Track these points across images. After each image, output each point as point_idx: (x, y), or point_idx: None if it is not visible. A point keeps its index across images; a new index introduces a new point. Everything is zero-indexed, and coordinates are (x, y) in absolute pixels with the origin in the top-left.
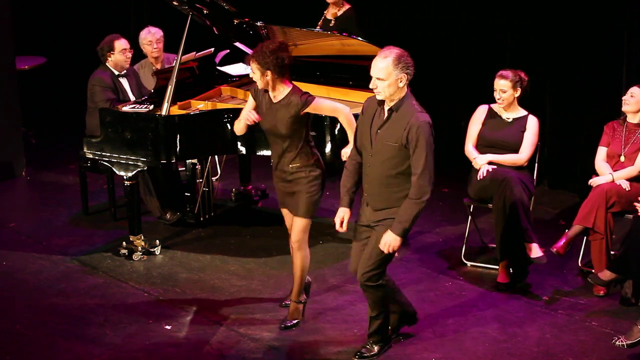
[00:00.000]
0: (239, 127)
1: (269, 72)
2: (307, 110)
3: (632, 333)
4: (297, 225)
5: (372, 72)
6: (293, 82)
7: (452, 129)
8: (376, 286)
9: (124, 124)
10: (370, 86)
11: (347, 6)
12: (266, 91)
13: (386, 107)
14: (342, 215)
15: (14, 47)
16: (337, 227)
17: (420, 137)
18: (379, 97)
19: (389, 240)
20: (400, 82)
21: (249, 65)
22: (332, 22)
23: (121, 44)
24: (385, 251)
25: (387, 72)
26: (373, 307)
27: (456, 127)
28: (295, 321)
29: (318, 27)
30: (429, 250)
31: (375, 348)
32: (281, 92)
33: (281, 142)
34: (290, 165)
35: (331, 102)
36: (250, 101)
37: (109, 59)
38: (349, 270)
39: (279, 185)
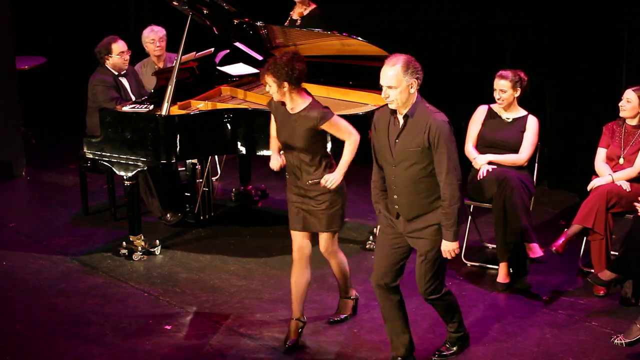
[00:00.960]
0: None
1: (285, 84)
2: (324, 126)
3: (631, 332)
4: (322, 240)
5: (383, 82)
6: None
7: (453, 129)
8: (441, 297)
9: (124, 124)
10: (382, 96)
11: (313, 5)
12: (283, 103)
13: (400, 115)
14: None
15: (14, 47)
16: None
17: (441, 137)
18: (392, 106)
19: (447, 247)
20: (412, 87)
21: (263, 80)
22: (298, 21)
23: (119, 46)
24: (449, 257)
25: (398, 80)
26: (445, 317)
27: (456, 128)
28: (344, 316)
29: None
30: None
31: (454, 349)
32: (299, 103)
33: (297, 155)
34: (309, 182)
35: (347, 125)
36: (272, 116)
37: (107, 61)
38: (372, 276)
39: (294, 199)
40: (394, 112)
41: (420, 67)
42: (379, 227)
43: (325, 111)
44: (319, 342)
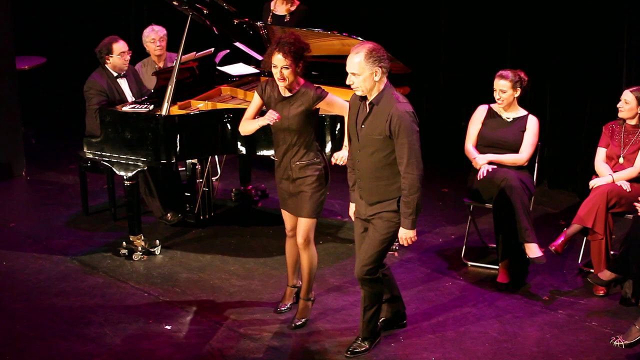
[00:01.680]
0: (249, 128)
1: (301, 64)
2: (320, 104)
3: (630, 333)
4: (302, 225)
5: (347, 68)
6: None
7: (453, 129)
8: (373, 280)
9: (124, 124)
10: (347, 82)
11: (297, 2)
12: (274, 86)
13: (367, 102)
14: (354, 210)
15: (14, 47)
16: (353, 219)
17: (402, 126)
18: (357, 93)
19: (404, 234)
20: (375, 75)
21: (275, 56)
22: (287, 17)
23: (119, 46)
24: (406, 244)
25: (361, 67)
26: (366, 301)
27: (456, 127)
28: (305, 319)
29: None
30: (428, 251)
31: (366, 344)
32: (295, 85)
33: (289, 138)
34: (297, 163)
35: (342, 101)
36: (256, 100)
37: (108, 61)
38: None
39: (282, 184)
40: (363, 98)
41: (385, 55)
42: (354, 220)
43: (320, 90)
44: (318, 342)
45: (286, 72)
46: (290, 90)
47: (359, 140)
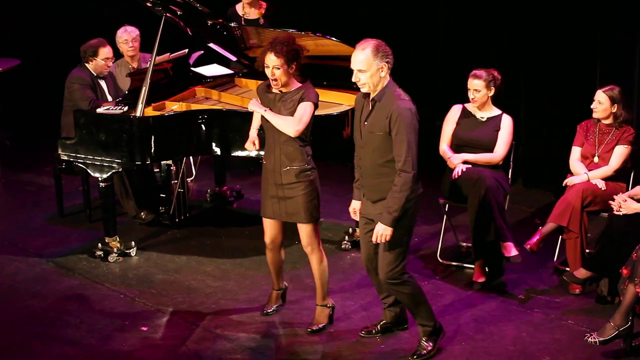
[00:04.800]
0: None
1: (294, 64)
2: (300, 104)
3: (605, 330)
4: (304, 230)
5: (353, 65)
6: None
7: (427, 128)
8: (401, 283)
9: (99, 125)
10: (353, 79)
11: (264, 4)
12: (268, 86)
13: (369, 98)
14: (354, 207)
15: None
16: (352, 216)
17: (401, 124)
18: (363, 90)
19: (380, 231)
20: (382, 71)
21: (268, 55)
22: (261, 20)
23: (106, 52)
24: (378, 240)
25: (368, 63)
26: (409, 306)
27: (432, 127)
28: (322, 325)
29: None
30: None
31: (430, 344)
32: (292, 86)
33: (281, 138)
34: (287, 168)
35: (306, 118)
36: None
37: (90, 62)
38: (362, 261)
39: (269, 188)
40: (367, 95)
41: (390, 51)
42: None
43: (309, 92)
44: (294, 343)
45: (277, 73)
46: (284, 91)
47: (361, 138)
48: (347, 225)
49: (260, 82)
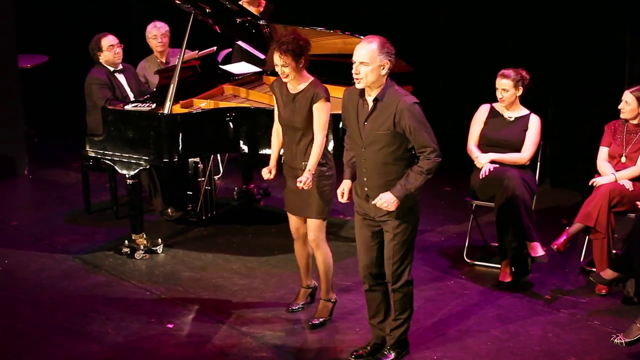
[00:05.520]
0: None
1: (298, 59)
2: (315, 105)
3: (631, 331)
4: (311, 225)
5: (356, 57)
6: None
7: (456, 128)
8: (407, 282)
9: (127, 122)
10: (353, 72)
11: (263, 2)
12: (283, 83)
13: (369, 98)
14: (343, 187)
15: (17, 46)
16: (339, 198)
17: (412, 119)
18: (359, 85)
19: (387, 199)
20: (383, 68)
21: (275, 55)
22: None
23: (108, 40)
24: (381, 206)
25: (372, 57)
26: (401, 307)
27: (459, 127)
28: (323, 319)
29: None
30: (431, 249)
31: (392, 354)
32: (302, 82)
33: (297, 135)
34: (303, 163)
35: (324, 121)
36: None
37: (100, 57)
38: (359, 265)
39: (289, 182)
40: (362, 93)
41: (394, 50)
42: (355, 218)
43: (323, 90)
44: (320, 340)
45: (287, 70)
46: (296, 87)
47: (362, 139)
48: (351, 219)
49: None
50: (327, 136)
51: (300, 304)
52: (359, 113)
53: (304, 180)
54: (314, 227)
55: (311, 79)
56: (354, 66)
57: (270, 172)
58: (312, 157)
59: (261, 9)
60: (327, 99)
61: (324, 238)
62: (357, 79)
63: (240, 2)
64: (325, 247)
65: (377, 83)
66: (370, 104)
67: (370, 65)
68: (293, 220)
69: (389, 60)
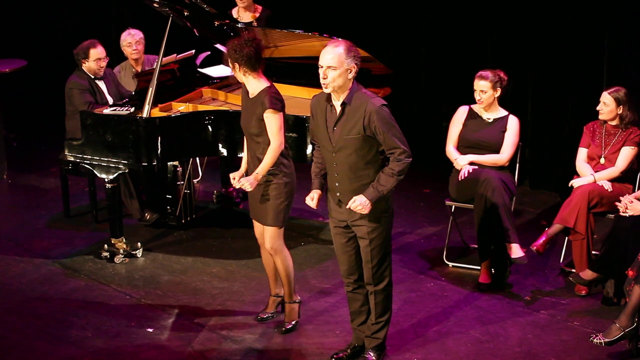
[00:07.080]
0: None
1: (236, 65)
2: (264, 114)
3: (610, 331)
4: (268, 233)
5: (323, 62)
6: (273, 82)
7: (434, 130)
8: (388, 284)
9: (105, 126)
10: (321, 76)
11: (260, 7)
12: (245, 89)
13: (337, 102)
14: (313, 195)
15: None
16: (309, 203)
17: (381, 121)
18: (326, 90)
19: (361, 201)
20: (350, 72)
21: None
22: (254, 24)
23: (96, 52)
24: (353, 208)
25: (340, 61)
26: (382, 309)
27: (438, 128)
28: (294, 322)
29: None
30: (410, 251)
31: (374, 356)
32: (255, 88)
33: (254, 141)
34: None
35: (279, 128)
36: None
37: (84, 64)
38: (340, 269)
39: (252, 190)
40: (329, 98)
41: (359, 54)
42: (330, 225)
43: (273, 100)
44: (300, 343)
45: (239, 76)
46: (253, 92)
47: (332, 144)
48: (326, 222)
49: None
50: (305, 139)
51: (269, 313)
52: (327, 118)
53: (244, 183)
54: (270, 235)
55: (265, 85)
56: (321, 71)
57: (234, 178)
58: (264, 162)
59: (257, 15)
60: (276, 109)
61: (282, 243)
62: (324, 83)
63: (235, 8)
64: (283, 252)
65: (344, 87)
66: (339, 109)
67: (338, 69)
68: (257, 226)
69: (355, 63)
